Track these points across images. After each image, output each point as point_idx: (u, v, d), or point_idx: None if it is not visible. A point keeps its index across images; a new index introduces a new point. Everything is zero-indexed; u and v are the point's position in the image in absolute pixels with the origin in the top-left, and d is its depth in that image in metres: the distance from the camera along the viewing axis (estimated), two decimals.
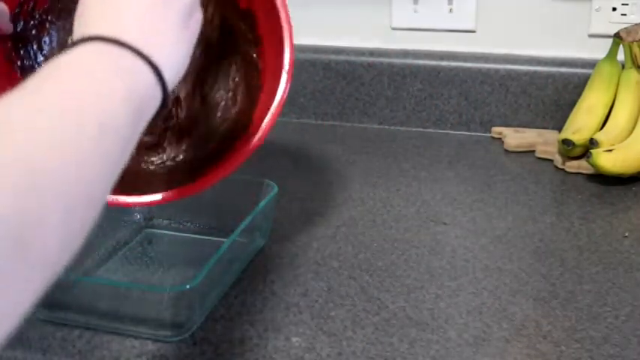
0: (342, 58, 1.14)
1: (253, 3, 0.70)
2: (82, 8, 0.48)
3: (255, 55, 0.74)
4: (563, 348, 0.61)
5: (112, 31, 0.44)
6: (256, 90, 0.74)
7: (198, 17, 0.52)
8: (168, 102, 0.47)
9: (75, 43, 0.43)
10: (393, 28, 1.14)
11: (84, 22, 0.46)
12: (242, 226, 0.70)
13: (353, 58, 1.13)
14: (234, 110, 0.76)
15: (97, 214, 0.39)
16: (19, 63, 0.71)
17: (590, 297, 0.68)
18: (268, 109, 0.68)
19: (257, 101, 0.73)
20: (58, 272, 0.36)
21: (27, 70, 0.71)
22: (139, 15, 0.47)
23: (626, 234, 0.80)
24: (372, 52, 1.13)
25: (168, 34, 0.48)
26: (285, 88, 0.66)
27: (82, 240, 0.38)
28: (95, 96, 0.40)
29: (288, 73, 0.66)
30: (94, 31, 0.44)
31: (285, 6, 0.65)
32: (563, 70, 1.06)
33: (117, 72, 0.42)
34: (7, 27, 0.62)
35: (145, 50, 0.45)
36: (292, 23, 0.65)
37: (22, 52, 0.71)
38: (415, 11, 1.12)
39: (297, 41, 0.70)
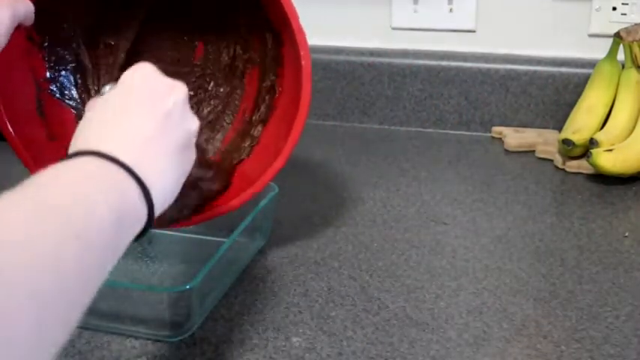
0: (342, 58, 1.14)
1: (281, 25, 0.70)
2: (84, 125, 0.49)
3: (273, 76, 0.74)
4: (563, 348, 0.61)
5: (110, 150, 0.45)
6: (270, 110, 0.74)
7: (192, 153, 0.54)
8: (152, 225, 0.48)
9: (72, 156, 0.45)
10: (393, 28, 1.14)
11: (83, 138, 0.48)
12: (242, 226, 0.70)
13: (353, 58, 1.13)
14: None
15: (74, 321, 0.38)
16: (39, 41, 0.71)
17: (590, 297, 0.68)
18: (278, 138, 0.69)
19: (268, 121, 0.74)
20: None
21: (47, 49, 0.72)
22: (138, 140, 0.48)
23: (626, 234, 0.80)
24: (372, 52, 1.13)
25: (164, 162, 0.50)
26: (299, 131, 0.68)
27: (59, 344, 0.37)
28: (79, 210, 0.40)
29: (298, 127, 0.68)
30: (93, 147, 0.46)
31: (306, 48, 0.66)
32: (563, 70, 1.06)
33: (107, 188, 0.43)
34: (31, 19, 0.62)
35: (138, 172, 0.46)
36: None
37: (42, 32, 0.72)
38: (415, 11, 1.12)
39: None
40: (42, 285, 0.35)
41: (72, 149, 0.47)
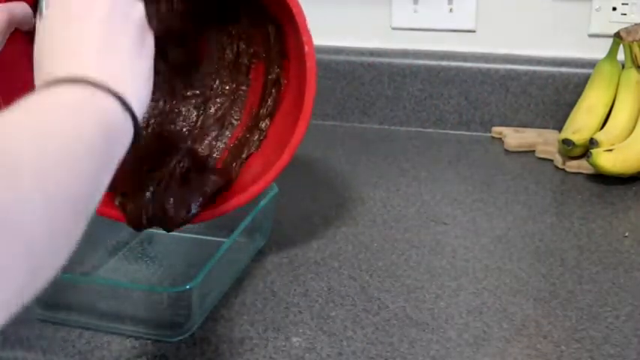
0: (342, 58, 1.14)
1: (283, 17, 0.70)
2: (38, 55, 0.48)
3: (278, 68, 0.74)
4: (563, 348, 0.61)
5: (73, 71, 0.45)
6: (276, 103, 0.74)
7: (150, 38, 0.53)
8: (140, 132, 0.47)
9: (39, 89, 0.44)
10: (393, 28, 1.14)
11: (44, 67, 0.47)
12: (242, 226, 0.70)
13: (353, 58, 1.13)
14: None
15: (81, 225, 0.40)
16: None
17: (590, 297, 0.68)
18: (285, 131, 0.69)
19: (275, 115, 0.74)
20: (45, 278, 0.36)
21: None
22: (95, 49, 0.47)
23: (626, 234, 0.80)
24: (372, 52, 1.13)
25: (126, 61, 0.49)
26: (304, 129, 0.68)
27: (70, 245, 0.38)
28: (62, 136, 0.40)
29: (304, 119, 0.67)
30: (55, 73, 0.45)
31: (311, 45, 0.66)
32: (563, 70, 1.06)
33: (86, 109, 0.43)
34: (29, 22, 0.62)
35: (107, 82, 0.45)
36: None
37: None
38: (415, 11, 1.12)
39: None
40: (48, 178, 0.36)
41: (37, 81, 0.46)
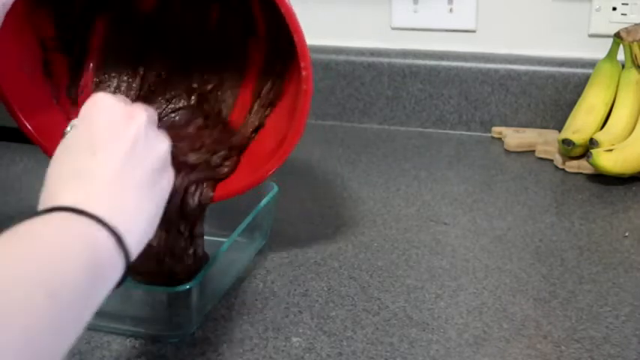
0: (342, 58, 1.14)
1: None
2: (49, 176, 0.48)
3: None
4: (563, 348, 0.61)
5: (76, 202, 0.44)
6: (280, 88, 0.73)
7: (169, 174, 0.53)
8: (130, 271, 0.46)
9: (39, 213, 0.43)
10: (393, 28, 1.14)
11: (49, 194, 0.46)
12: (242, 226, 0.70)
13: (353, 58, 1.13)
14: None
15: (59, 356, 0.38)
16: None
17: (590, 297, 0.68)
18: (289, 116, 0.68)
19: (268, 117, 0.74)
20: None
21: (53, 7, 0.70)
22: (106, 182, 0.47)
23: (626, 234, 0.80)
24: (372, 52, 1.13)
25: (136, 198, 0.48)
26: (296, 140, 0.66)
27: None
28: (50, 266, 0.39)
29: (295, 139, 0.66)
30: (58, 201, 0.44)
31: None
32: (563, 70, 1.06)
33: (77, 242, 0.42)
34: None
35: (110, 220, 0.44)
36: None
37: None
38: (415, 11, 1.12)
39: None
40: (11, 342, 0.35)
41: (41, 205, 0.46)
